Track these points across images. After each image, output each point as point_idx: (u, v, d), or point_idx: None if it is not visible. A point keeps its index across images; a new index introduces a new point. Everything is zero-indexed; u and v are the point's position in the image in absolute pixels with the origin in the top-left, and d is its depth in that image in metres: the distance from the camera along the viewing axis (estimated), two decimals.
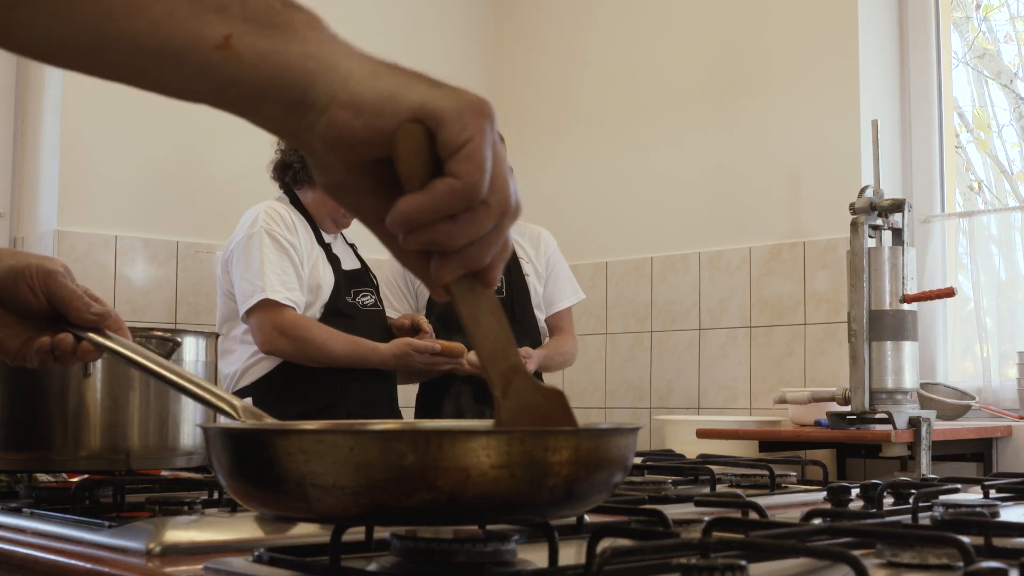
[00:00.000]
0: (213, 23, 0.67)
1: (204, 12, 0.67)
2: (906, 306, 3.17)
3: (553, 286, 3.57)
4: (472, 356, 3.18)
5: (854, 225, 3.20)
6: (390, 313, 3.40)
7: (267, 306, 2.98)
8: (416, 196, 0.68)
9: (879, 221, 3.25)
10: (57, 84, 3.68)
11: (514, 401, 0.82)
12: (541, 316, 3.52)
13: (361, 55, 0.70)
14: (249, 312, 3.01)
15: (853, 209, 3.25)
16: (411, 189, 0.68)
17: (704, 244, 4.17)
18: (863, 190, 3.27)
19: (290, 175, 3.20)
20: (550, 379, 3.67)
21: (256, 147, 3.86)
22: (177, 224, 3.83)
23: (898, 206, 3.23)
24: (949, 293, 3.16)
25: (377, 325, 3.19)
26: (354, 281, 3.18)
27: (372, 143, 0.68)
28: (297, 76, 0.67)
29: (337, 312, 3.08)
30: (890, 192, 3.58)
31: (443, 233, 0.69)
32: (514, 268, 3.47)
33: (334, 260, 3.15)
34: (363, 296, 3.18)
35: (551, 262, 3.59)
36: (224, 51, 0.67)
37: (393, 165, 0.69)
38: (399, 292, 3.51)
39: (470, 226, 0.69)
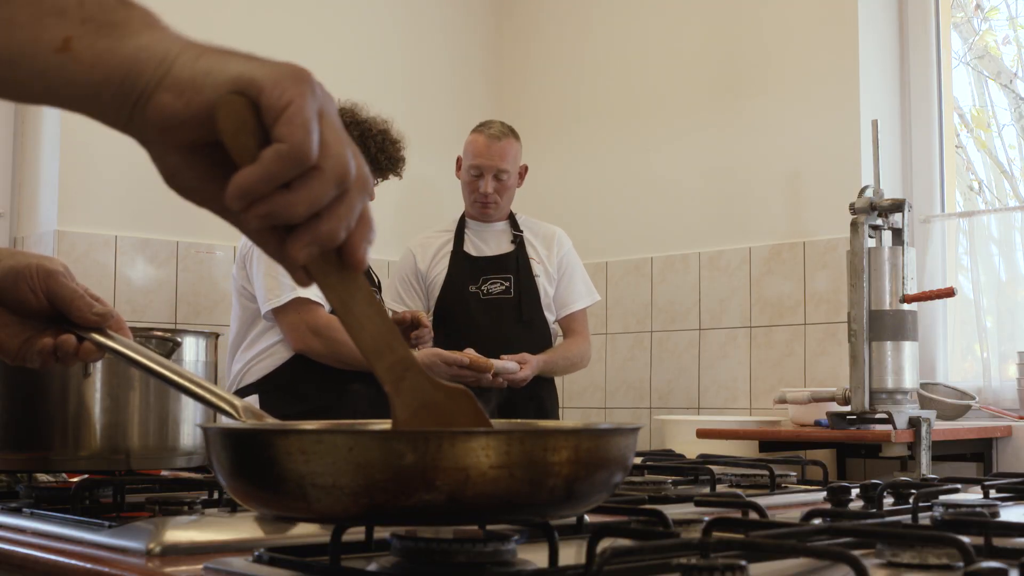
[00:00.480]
0: (52, 26, 0.67)
1: (43, 16, 0.67)
2: (906, 306, 3.17)
3: (567, 287, 3.53)
4: (497, 364, 3.18)
5: (854, 225, 3.20)
6: (397, 307, 3.43)
7: (299, 304, 2.97)
8: (247, 168, 0.67)
9: (879, 221, 3.25)
10: None
11: (410, 398, 0.80)
12: (551, 317, 3.50)
13: (191, 42, 0.69)
14: (279, 310, 2.99)
15: (853, 209, 3.24)
16: (243, 163, 0.67)
17: (704, 244, 4.17)
18: (863, 190, 3.27)
19: None
20: (558, 381, 3.63)
21: None
22: (177, 224, 3.83)
23: (898, 206, 3.23)
24: (949, 293, 3.16)
25: None
26: None
27: (196, 121, 0.67)
28: (130, 68, 0.67)
29: None
30: (890, 192, 3.58)
31: (280, 204, 0.67)
32: (523, 268, 3.45)
33: None
34: None
35: (565, 263, 3.55)
36: (64, 54, 0.67)
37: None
38: (411, 288, 3.51)
39: (306, 192, 0.67)
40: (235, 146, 0.67)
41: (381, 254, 4.14)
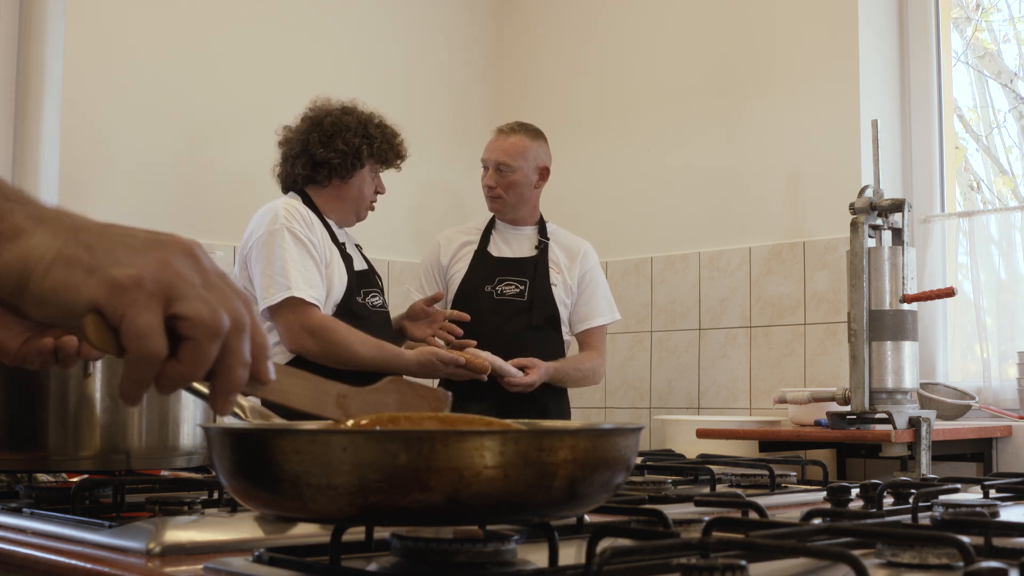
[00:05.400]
0: None
1: None
2: (906, 306, 3.17)
3: (588, 302, 3.50)
4: (495, 365, 3.17)
5: (854, 225, 3.20)
6: (419, 297, 3.44)
7: (294, 304, 2.96)
8: (121, 378, 0.75)
9: (879, 221, 3.25)
10: (57, 83, 3.68)
11: (359, 413, 0.88)
12: (565, 328, 3.47)
13: (45, 247, 0.73)
14: (274, 309, 2.98)
15: (853, 209, 3.25)
16: (116, 355, 0.75)
17: (704, 244, 4.17)
18: (863, 190, 3.27)
19: (300, 177, 3.18)
20: (569, 393, 3.57)
21: (258, 147, 3.86)
22: (179, 224, 3.83)
23: (898, 206, 3.23)
24: (949, 293, 3.16)
25: (385, 326, 3.19)
26: (364, 282, 3.17)
27: (60, 321, 0.75)
28: None
29: (349, 313, 3.06)
30: (890, 192, 3.58)
31: (178, 375, 0.75)
32: (541, 274, 3.43)
33: (347, 259, 3.14)
34: (372, 297, 3.17)
35: (588, 278, 3.52)
36: None
37: None
38: (432, 280, 3.52)
39: (192, 361, 0.74)
40: (105, 350, 0.75)
41: (386, 255, 4.14)
